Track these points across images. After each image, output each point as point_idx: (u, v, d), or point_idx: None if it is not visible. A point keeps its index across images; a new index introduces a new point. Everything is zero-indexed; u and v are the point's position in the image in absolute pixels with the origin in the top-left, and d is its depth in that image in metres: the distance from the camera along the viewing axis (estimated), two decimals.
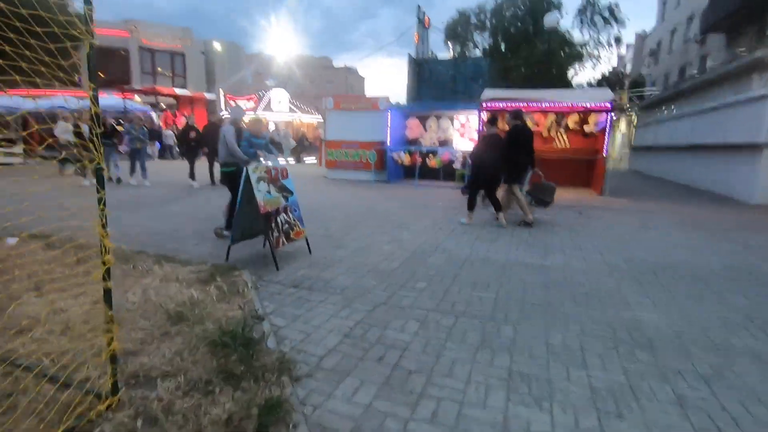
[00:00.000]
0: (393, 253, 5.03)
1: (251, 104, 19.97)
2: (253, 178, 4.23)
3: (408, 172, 13.15)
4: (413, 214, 7.73)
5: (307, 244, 4.92)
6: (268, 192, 4.42)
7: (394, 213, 7.77)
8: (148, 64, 28.23)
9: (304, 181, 11.82)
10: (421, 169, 12.47)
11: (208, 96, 22.29)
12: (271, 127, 18.98)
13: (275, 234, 4.36)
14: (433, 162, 12.48)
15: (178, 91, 21.21)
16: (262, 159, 5.15)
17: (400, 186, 12.20)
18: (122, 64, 27.55)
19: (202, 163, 11.22)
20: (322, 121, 19.34)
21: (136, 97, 26.99)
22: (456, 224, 6.81)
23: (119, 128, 11.17)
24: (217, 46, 30.42)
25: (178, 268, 4.10)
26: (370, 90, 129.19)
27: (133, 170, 10.82)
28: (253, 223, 4.58)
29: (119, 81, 21.65)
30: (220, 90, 22.41)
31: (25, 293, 3.25)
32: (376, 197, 9.86)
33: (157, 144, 19.50)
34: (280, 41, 39.23)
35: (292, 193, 4.79)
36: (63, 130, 10.50)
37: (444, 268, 4.53)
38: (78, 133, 9.71)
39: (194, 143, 10.69)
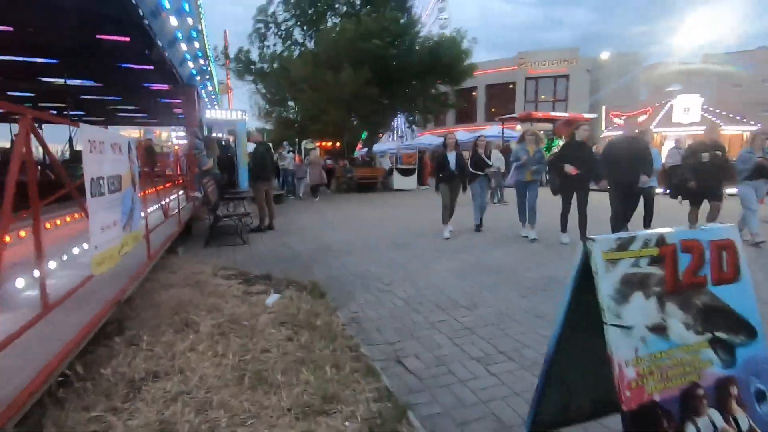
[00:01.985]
0: None
1: (642, 118, 15.50)
2: (604, 273, 1.33)
3: None
4: None
5: None
6: (663, 331, 1.36)
7: None
8: (531, 92, 28.69)
9: None
10: None
11: (588, 116, 19.48)
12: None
13: None
14: None
15: (554, 114, 19.64)
16: None
17: None
18: (508, 97, 29.52)
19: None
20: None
21: (518, 126, 28.09)
22: None
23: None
24: (604, 56, 26.89)
25: None
26: None
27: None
28: (596, 384, 1.65)
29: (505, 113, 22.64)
30: (603, 108, 19.03)
31: None
32: None
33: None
34: (691, 40, 30.57)
35: (752, 334, 1.46)
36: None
37: None
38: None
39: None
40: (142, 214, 3.81)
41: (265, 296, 3.66)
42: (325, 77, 13.04)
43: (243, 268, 4.78)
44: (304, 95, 14.48)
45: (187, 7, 8.19)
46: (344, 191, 16.34)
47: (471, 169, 6.94)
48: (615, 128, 16.88)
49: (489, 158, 7.37)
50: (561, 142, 20.09)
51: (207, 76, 12.90)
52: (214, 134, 12.87)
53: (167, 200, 6.25)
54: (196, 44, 9.99)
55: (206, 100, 14.82)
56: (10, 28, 8.40)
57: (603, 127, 19.83)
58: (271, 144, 10.36)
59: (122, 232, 2.95)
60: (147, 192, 4.74)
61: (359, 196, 14.38)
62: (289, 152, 14.14)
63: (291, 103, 20.09)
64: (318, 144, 24.60)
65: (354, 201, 12.90)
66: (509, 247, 5.99)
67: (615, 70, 27.52)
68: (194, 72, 10.80)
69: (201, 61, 11.06)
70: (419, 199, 13.13)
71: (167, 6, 7.11)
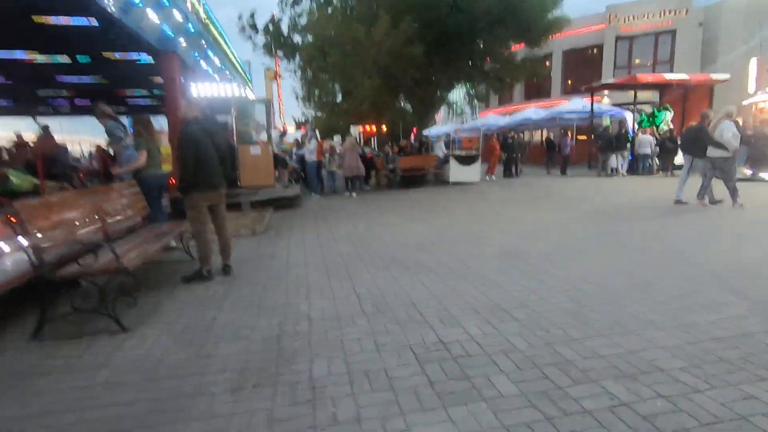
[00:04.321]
0: None
1: None
2: None
3: None
4: None
5: None
6: None
7: None
8: (624, 56, 23.09)
9: None
10: None
11: (718, 77, 14.19)
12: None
13: None
14: None
15: (669, 76, 14.51)
16: None
17: None
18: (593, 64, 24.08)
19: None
20: None
21: (605, 99, 22.80)
22: None
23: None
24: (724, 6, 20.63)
25: None
26: None
27: None
28: None
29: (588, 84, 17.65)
30: (753, 60, 13.64)
31: None
32: None
33: (629, 155, 13.93)
34: None
35: None
36: None
37: None
38: None
39: None
40: None
41: None
42: (354, 33, 9.60)
43: None
44: (333, 62, 11.02)
45: None
46: (386, 187, 12.90)
47: None
48: None
49: None
50: (669, 114, 15.12)
51: (203, 42, 9.92)
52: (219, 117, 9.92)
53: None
54: None
55: (216, 77, 11.93)
56: None
57: (750, 90, 14.44)
58: (231, 123, 7.14)
59: None
60: None
61: (403, 195, 10.86)
62: (311, 139, 10.92)
63: (333, 84, 16.70)
64: (362, 129, 21.25)
65: (394, 202, 9.43)
66: None
67: (736, 25, 21.04)
68: (170, 32, 7.81)
69: (179, 18, 8.04)
70: (490, 198, 9.34)
71: None
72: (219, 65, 11.93)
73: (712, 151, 6.69)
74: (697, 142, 7.01)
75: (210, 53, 10.75)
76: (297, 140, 12.63)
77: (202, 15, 11.41)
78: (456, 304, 3.25)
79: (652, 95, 16.93)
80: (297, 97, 19.69)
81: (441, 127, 28.03)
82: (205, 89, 8.55)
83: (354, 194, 11.11)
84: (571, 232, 5.63)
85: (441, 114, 39.68)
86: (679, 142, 13.10)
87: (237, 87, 8.82)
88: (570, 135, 16.21)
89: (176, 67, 8.33)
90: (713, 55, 21.00)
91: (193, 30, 9.02)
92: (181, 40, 8.80)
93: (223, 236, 4.28)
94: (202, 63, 10.35)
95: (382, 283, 3.88)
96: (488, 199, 9.43)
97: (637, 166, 13.67)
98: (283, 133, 10.85)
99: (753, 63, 14.98)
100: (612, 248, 4.71)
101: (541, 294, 3.36)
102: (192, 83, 8.45)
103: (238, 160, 8.79)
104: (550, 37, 12.34)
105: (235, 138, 8.75)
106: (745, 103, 12.51)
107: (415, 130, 18.03)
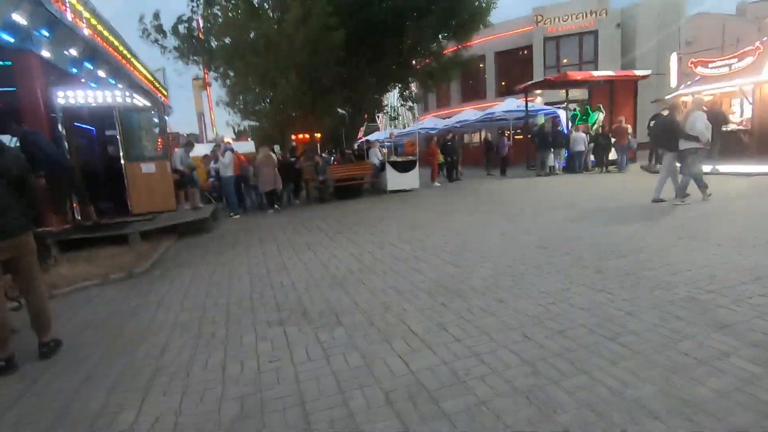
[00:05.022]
0: None
1: (734, 64, 10.63)
2: None
3: None
4: None
5: None
6: None
7: None
8: (552, 56, 23.62)
9: None
10: None
11: (641, 73, 14.54)
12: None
13: None
14: None
15: (597, 74, 14.64)
16: None
17: None
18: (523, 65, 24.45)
19: None
20: None
21: (537, 98, 23.17)
22: None
23: None
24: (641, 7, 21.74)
25: None
26: None
27: None
28: None
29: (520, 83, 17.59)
30: (673, 56, 14.00)
31: None
32: None
33: (565, 152, 13.79)
34: None
35: None
36: None
37: None
38: None
39: None
40: None
41: None
42: (263, 27, 8.35)
43: None
44: (246, 63, 9.60)
45: None
46: (318, 200, 11.71)
47: None
48: (696, 82, 12.02)
49: None
50: (601, 115, 15.35)
51: (69, 41, 8.22)
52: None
53: None
54: None
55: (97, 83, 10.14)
56: None
57: (672, 84, 14.88)
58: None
59: None
60: None
61: (333, 208, 9.74)
62: (225, 151, 9.50)
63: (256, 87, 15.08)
64: (295, 137, 19.85)
65: (322, 217, 8.28)
66: None
67: (650, 24, 22.25)
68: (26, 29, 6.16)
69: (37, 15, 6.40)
70: (430, 207, 8.45)
71: None
72: (105, 72, 10.16)
73: (683, 144, 6.30)
74: (667, 134, 6.60)
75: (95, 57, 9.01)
76: (208, 154, 11.09)
77: (85, 14, 9.65)
78: (364, 395, 2.18)
79: (581, 93, 17.22)
80: (218, 104, 17.90)
81: (381, 133, 27.29)
82: (78, 97, 6.93)
83: (277, 207, 9.95)
84: (519, 247, 4.80)
85: (383, 119, 39.06)
86: (612, 139, 13.28)
87: (121, 93, 7.26)
88: (507, 135, 15.95)
89: (30, 68, 6.68)
90: (632, 52, 22.05)
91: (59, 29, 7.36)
92: (45, 35, 7.15)
93: (33, 303, 2.92)
94: (84, 68, 8.62)
95: (266, 350, 2.74)
96: (427, 209, 8.55)
97: (573, 163, 13.56)
98: (188, 144, 9.30)
99: (674, 58, 15.53)
100: (567, 266, 3.90)
101: (486, 362, 2.37)
102: (59, 90, 6.80)
103: (127, 180, 7.26)
104: (479, 27, 11.73)
105: (121, 154, 7.19)
106: (668, 97, 12.77)
107: (361, 133, 16.80)
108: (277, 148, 21.26)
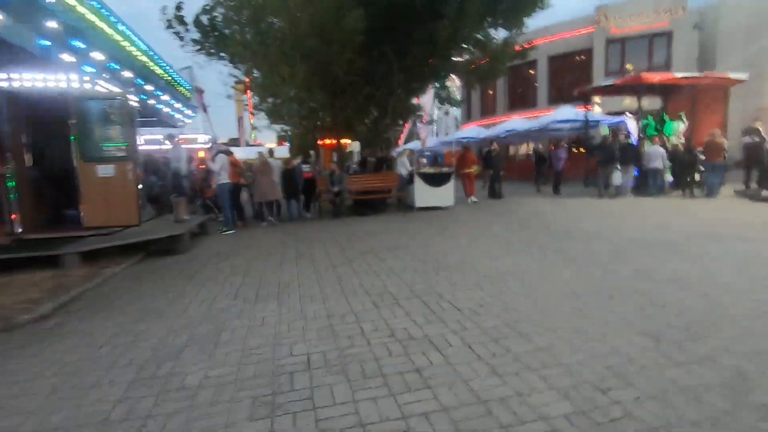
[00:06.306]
0: None
1: None
2: None
3: None
4: None
5: None
6: None
7: None
8: (615, 60, 20.84)
9: None
10: None
11: (735, 76, 11.79)
12: None
13: None
14: None
15: (681, 75, 11.97)
16: None
17: None
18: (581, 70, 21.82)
19: None
20: None
21: (596, 107, 20.46)
22: None
23: None
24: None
25: None
26: None
27: None
28: None
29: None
30: None
31: None
32: None
33: (634, 169, 11.27)
34: None
35: None
36: None
37: None
38: None
39: None
40: None
41: None
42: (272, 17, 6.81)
43: None
44: (253, 51, 8.08)
45: None
46: (332, 215, 9.96)
47: None
48: None
49: None
50: (682, 125, 12.64)
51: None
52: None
53: None
54: None
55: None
56: None
57: None
58: None
59: None
60: None
61: (345, 227, 7.93)
62: (217, 154, 7.96)
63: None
64: (321, 142, 18.34)
65: (324, 240, 6.47)
66: None
67: (738, 26, 18.91)
68: None
69: None
70: (459, 235, 6.41)
71: None
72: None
73: None
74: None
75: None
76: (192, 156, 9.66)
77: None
78: None
79: (650, 103, 14.50)
80: (255, 108, 16.71)
81: (417, 142, 25.46)
82: (25, 80, 5.60)
83: (271, 219, 8.48)
84: (603, 329, 2.76)
85: (425, 129, 37.19)
86: (698, 155, 10.64)
87: (80, 78, 5.87)
88: (564, 146, 13.60)
89: None
90: (712, 58, 18.89)
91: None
92: None
93: None
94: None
95: None
96: (458, 236, 6.54)
97: (646, 183, 11.02)
98: (169, 136, 7.88)
99: None
100: (720, 402, 1.85)
101: None
102: None
103: (80, 185, 5.82)
104: (536, 7, 9.52)
105: (74, 153, 5.78)
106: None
107: (401, 139, 14.99)
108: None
